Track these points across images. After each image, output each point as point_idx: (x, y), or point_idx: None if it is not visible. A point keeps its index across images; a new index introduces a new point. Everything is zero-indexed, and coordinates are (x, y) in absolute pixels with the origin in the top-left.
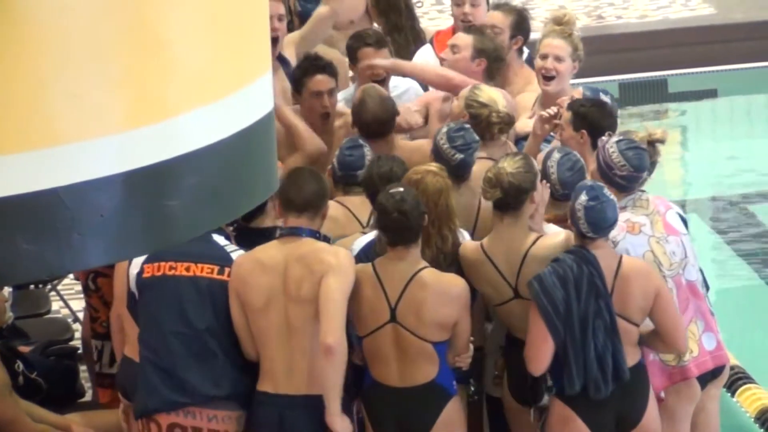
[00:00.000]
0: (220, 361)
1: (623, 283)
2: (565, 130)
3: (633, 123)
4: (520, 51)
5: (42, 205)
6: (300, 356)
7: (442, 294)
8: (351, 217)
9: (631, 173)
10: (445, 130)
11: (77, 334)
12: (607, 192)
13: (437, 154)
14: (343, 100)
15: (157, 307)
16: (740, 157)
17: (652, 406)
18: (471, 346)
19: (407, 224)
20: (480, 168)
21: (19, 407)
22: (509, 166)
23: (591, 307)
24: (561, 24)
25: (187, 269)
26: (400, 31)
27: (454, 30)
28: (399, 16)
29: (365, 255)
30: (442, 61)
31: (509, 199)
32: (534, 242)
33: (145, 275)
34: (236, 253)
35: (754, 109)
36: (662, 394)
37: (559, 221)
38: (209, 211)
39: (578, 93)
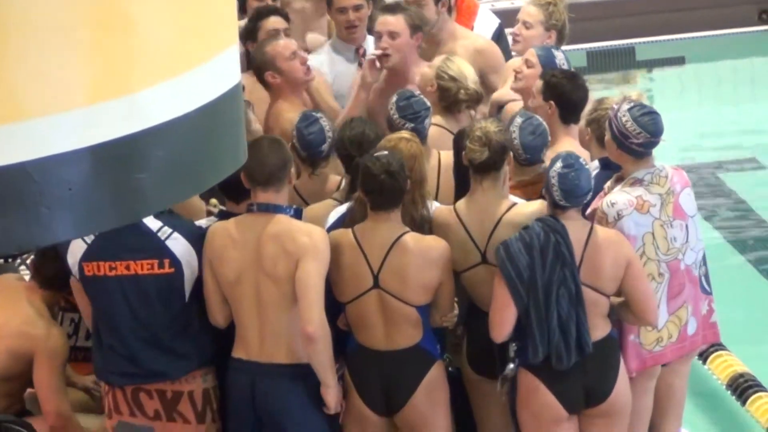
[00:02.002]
0: (177, 343)
1: (594, 253)
2: (536, 98)
3: (601, 91)
4: (449, 11)
5: (9, 180)
6: (271, 327)
7: (424, 257)
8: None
9: (648, 139)
10: (394, 99)
11: None
12: (583, 161)
13: (390, 125)
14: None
15: (105, 306)
16: (708, 124)
17: (622, 380)
18: (456, 306)
19: (395, 186)
20: (437, 136)
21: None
22: (491, 126)
23: (556, 275)
24: None
25: (128, 268)
26: None
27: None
28: None
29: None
30: (384, 50)
31: (495, 158)
32: (509, 208)
33: (87, 273)
34: (171, 238)
35: (721, 76)
36: (633, 374)
37: (524, 186)
38: (177, 184)
39: (531, 54)
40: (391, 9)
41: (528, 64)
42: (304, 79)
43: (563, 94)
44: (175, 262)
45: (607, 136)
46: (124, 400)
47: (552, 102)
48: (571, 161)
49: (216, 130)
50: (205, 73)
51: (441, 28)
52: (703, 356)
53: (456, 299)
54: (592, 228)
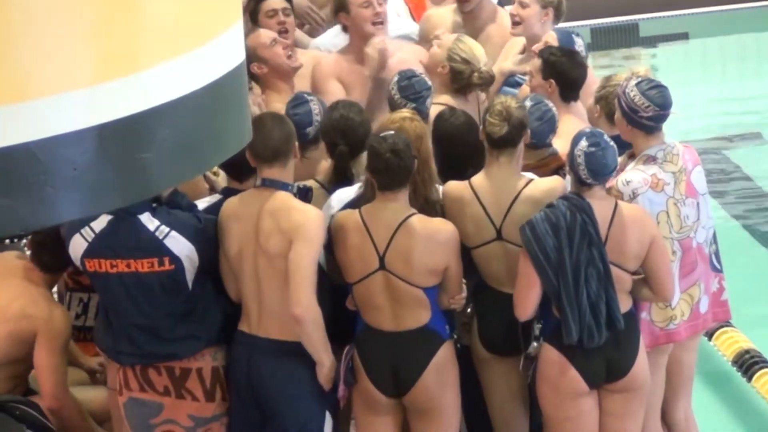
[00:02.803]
0: (183, 328)
1: (619, 231)
2: (534, 77)
3: (605, 68)
4: None
5: (14, 160)
6: (267, 303)
7: (430, 240)
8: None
9: (657, 112)
10: (396, 79)
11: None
12: (608, 138)
13: (390, 104)
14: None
15: (109, 299)
16: (712, 100)
17: (642, 355)
18: (464, 288)
19: (401, 164)
20: None
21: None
22: (510, 101)
23: (583, 255)
24: None
25: (128, 266)
26: None
27: None
28: None
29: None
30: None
31: (514, 133)
32: (527, 184)
33: (89, 269)
34: (169, 237)
35: (725, 51)
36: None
37: (529, 170)
38: (183, 163)
39: (552, 38)
40: None
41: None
42: (289, 65)
43: (562, 72)
44: (175, 259)
45: (617, 114)
46: (134, 376)
47: (552, 80)
48: (596, 139)
49: (221, 108)
50: (210, 52)
51: (481, 7)
52: (709, 333)
53: (464, 280)
54: (617, 205)
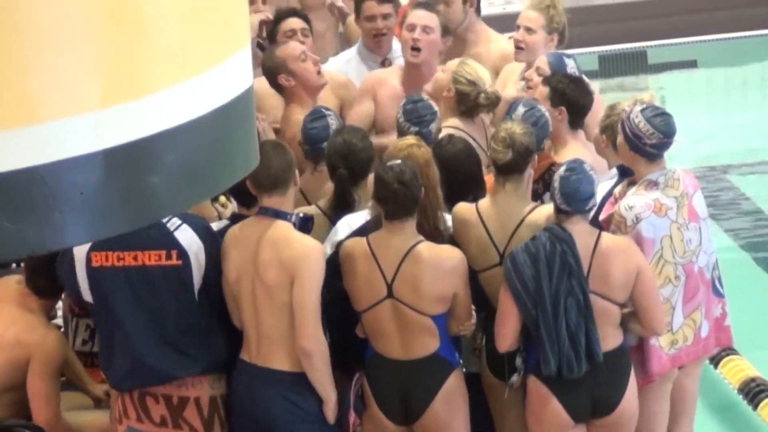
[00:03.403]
0: (188, 341)
1: (602, 261)
2: (542, 105)
3: (613, 94)
4: (477, 11)
5: (22, 184)
6: (266, 332)
7: (438, 267)
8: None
9: (661, 140)
10: (402, 103)
11: (59, 313)
12: (587, 167)
13: (398, 131)
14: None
15: (112, 299)
16: (719, 127)
17: (630, 391)
18: (474, 314)
19: (408, 194)
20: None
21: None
22: (518, 127)
23: (563, 286)
24: None
25: (135, 258)
26: None
27: (402, 14)
28: None
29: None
30: (415, 41)
31: (519, 160)
32: (531, 210)
33: (94, 264)
34: (180, 230)
35: (733, 80)
36: (655, 379)
37: None
38: (190, 188)
39: (543, 62)
40: (425, 5)
41: (539, 72)
42: (317, 81)
43: (572, 99)
44: (183, 253)
45: (620, 138)
46: (132, 404)
47: (563, 108)
48: (573, 165)
49: (228, 133)
50: (217, 76)
51: (468, 29)
52: (715, 360)
53: (474, 307)
54: (599, 235)
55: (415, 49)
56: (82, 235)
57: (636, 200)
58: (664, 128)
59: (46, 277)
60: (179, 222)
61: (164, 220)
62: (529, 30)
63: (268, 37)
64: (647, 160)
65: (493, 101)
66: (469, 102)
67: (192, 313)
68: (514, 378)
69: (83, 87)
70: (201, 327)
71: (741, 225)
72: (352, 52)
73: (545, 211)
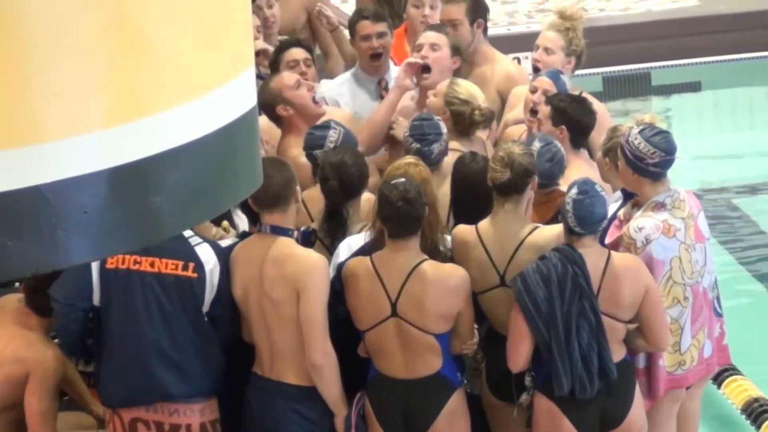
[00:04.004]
0: (188, 358)
1: (612, 281)
2: (544, 124)
3: (617, 116)
4: (485, 32)
5: (26, 203)
6: (278, 347)
7: (442, 285)
8: (302, 209)
9: (663, 158)
10: (412, 118)
11: None
12: (598, 188)
13: (417, 154)
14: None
15: (123, 304)
16: (724, 149)
17: (637, 404)
18: (476, 333)
19: (412, 212)
20: (453, 161)
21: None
22: (517, 148)
23: (575, 307)
24: (564, 18)
25: (152, 264)
26: (402, 18)
27: (406, 30)
28: (399, 2)
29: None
30: (423, 58)
31: (517, 180)
32: (531, 231)
33: (109, 266)
34: (200, 246)
35: (738, 101)
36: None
37: (536, 206)
38: (194, 207)
39: (548, 84)
40: (435, 27)
41: (546, 94)
42: (314, 108)
43: (573, 118)
44: (200, 268)
45: (621, 164)
46: (122, 429)
47: (564, 127)
48: (586, 188)
49: (233, 152)
50: (222, 96)
51: (475, 50)
52: (718, 380)
53: (476, 326)
54: (609, 255)
55: (425, 68)
56: (86, 253)
57: (645, 221)
58: (664, 146)
59: (46, 296)
60: (200, 240)
61: (187, 235)
62: (547, 50)
63: (270, 66)
64: (652, 180)
65: (488, 117)
66: (464, 121)
67: (196, 330)
68: (524, 397)
69: (87, 106)
70: (201, 347)
71: (747, 246)
72: (347, 75)
73: (545, 232)
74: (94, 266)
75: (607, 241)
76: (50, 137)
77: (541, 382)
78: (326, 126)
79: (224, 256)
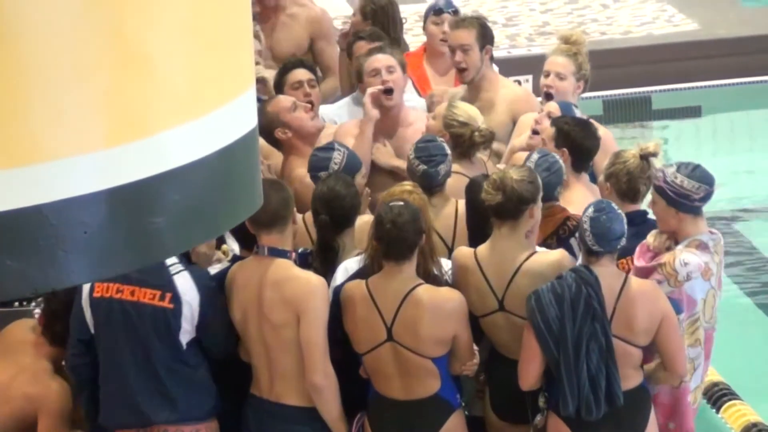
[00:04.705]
0: (171, 387)
1: (627, 305)
2: (547, 145)
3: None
4: (491, 59)
5: (26, 222)
6: (278, 369)
7: (437, 310)
8: (303, 232)
9: (708, 191)
10: (417, 140)
11: None
12: (615, 207)
13: (408, 168)
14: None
15: (108, 332)
16: (724, 175)
17: (651, 429)
18: (477, 354)
19: (399, 236)
20: (455, 183)
21: None
22: (515, 173)
23: (586, 328)
24: (568, 43)
25: (132, 293)
26: (399, 43)
27: (425, 50)
28: (396, 28)
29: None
30: (458, 63)
31: (509, 205)
32: (528, 257)
33: (96, 294)
34: (179, 275)
35: (738, 126)
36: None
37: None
38: (194, 228)
39: (554, 108)
40: (460, 22)
41: (551, 116)
42: (313, 126)
43: (575, 141)
44: (176, 298)
45: (662, 205)
46: None
47: (565, 150)
48: (602, 205)
49: (233, 173)
50: (223, 117)
51: (482, 75)
52: (717, 405)
53: (476, 347)
54: (626, 279)
55: (388, 91)
56: (86, 273)
57: (691, 258)
58: (707, 179)
59: (64, 322)
60: (181, 268)
61: (168, 262)
62: (559, 75)
63: (275, 88)
64: (694, 216)
65: (488, 137)
66: (464, 143)
67: (177, 359)
68: (539, 418)
69: (88, 126)
70: (186, 374)
71: (744, 271)
72: (346, 99)
73: (543, 258)
74: (85, 296)
75: (638, 264)
76: (51, 157)
77: (554, 403)
78: (330, 147)
79: (214, 292)
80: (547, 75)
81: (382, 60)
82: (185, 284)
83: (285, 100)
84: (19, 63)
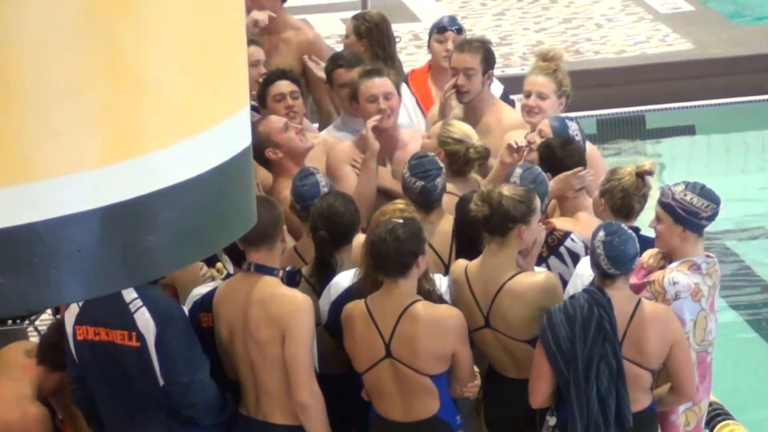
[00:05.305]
0: (153, 420)
1: (639, 328)
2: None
3: (611, 159)
4: (491, 82)
5: (20, 240)
6: (263, 387)
7: (435, 326)
8: (295, 257)
9: (715, 210)
10: (408, 160)
11: None
12: (626, 228)
13: (404, 187)
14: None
15: (90, 373)
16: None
17: None
18: (478, 376)
19: (387, 252)
20: (449, 202)
21: None
22: (507, 190)
23: (597, 350)
24: (546, 60)
25: (107, 335)
26: (394, 59)
27: (430, 67)
28: (391, 44)
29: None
30: (460, 86)
31: (495, 220)
32: (512, 276)
33: (78, 337)
34: (138, 312)
35: (731, 145)
36: None
37: None
38: (187, 247)
39: (545, 125)
40: (377, 72)
41: (542, 134)
42: (303, 146)
43: (557, 161)
44: (140, 336)
45: (666, 224)
46: None
47: (549, 174)
48: (613, 228)
49: (226, 192)
50: (216, 135)
51: (481, 99)
52: (711, 425)
53: (477, 369)
54: (639, 302)
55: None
56: (78, 291)
57: (681, 278)
58: (714, 197)
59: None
60: (140, 304)
61: (128, 301)
62: (540, 95)
63: (257, 99)
64: (698, 235)
65: (483, 154)
66: (459, 160)
67: (161, 395)
68: None
69: (82, 144)
70: (174, 408)
71: (740, 290)
72: (337, 121)
73: (526, 279)
74: (70, 339)
75: (630, 281)
76: (45, 175)
77: (562, 422)
78: (310, 174)
79: (169, 313)
80: (528, 95)
81: (379, 86)
82: (143, 321)
83: (276, 121)
84: (12, 82)
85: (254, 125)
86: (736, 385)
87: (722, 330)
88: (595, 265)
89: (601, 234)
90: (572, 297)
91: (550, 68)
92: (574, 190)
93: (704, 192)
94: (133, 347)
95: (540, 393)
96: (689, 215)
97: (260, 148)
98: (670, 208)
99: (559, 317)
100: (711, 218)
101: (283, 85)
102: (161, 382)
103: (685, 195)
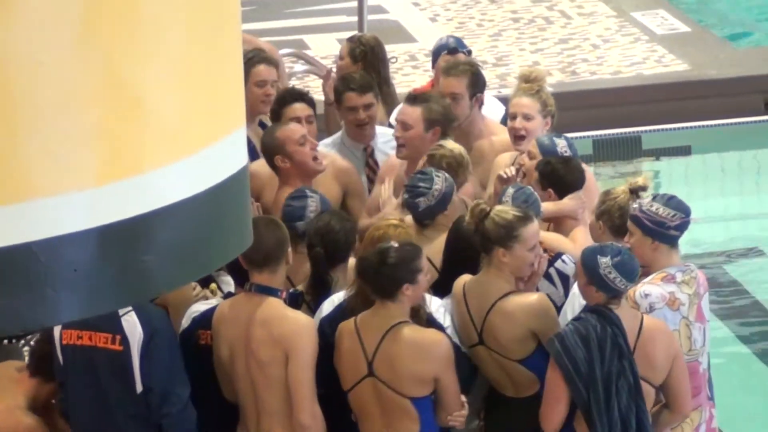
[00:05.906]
0: (128, 429)
1: (647, 343)
2: (534, 189)
3: (607, 179)
4: (480, 105)
5: (16, 260)
6: (264, 408)
7: (417, 348)
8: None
9: (683, 220)
10: (410, 178)
11: None
12: (620, 245)
13: (406, 205)
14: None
15: (73, 378)
16: (714, 215)
17: None
18: (465, 405)
19: (374, 274)
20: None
21: None
22: (501, 209)
23: (614, 367)
24: (529, 81)
25: (90, 339)
26: (388, 84)
27: (432, 85)
28: (386, 68)
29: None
30: (397, 139)
31: (479, 235)
32: (504, 295)
33: (64, 342)
34: (126, 316)
35: (728, 166)
36: None
37: None
38: (183, 266)
39: (533, 146)
40: (413, 99)
41: (530, 155)
42: (313, 166)
43: (558, 178)
44: (124, 340)
45: (637, 236)
46: None
47: (550, 190)
48: (616, 248)
49: (223, 212)
50: (213, 155)
51: (472, 123)
52: None
53: (465, 399)
54: (642, 318)
55: (400, 145)
56: (75, 311)
57: (652, 289)
58: (682, 207)
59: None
60: (128, 308)
61: None
62: (526, 117)
63: (272, 118)
64: (669, 247)
65: (458, 159)
66: (435, 164)
67: (136, 402)
68: None
69: (79, 164)
70: (145, 417)
71: (736, 310)
72: (335, 138)
73: (518, 299)
74: (56, 343)
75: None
76: (41, 194)
77: None
78: (303, 195)
79: (158, 321)
80: (514, 117)
81: (403, 112)
82: (129, 325)
83: (296, 131)
84: (9, 101)
85: (274, 127)
86: (730, 403)
87: (716, 348)
88: (606, 289)
89: (605, 260)
90: (579, 318)
91: (533, 89)
92: (584, 209)
93: (671, 202)
94: (114, 351)
95: (556, 418)
96: (657, 226)
97: (272, 153)
98: (637, 220)
99: (573, 339)
100: (680, 228)
101: (299, 109)
102: (139, 389)
103: (652, 206)
